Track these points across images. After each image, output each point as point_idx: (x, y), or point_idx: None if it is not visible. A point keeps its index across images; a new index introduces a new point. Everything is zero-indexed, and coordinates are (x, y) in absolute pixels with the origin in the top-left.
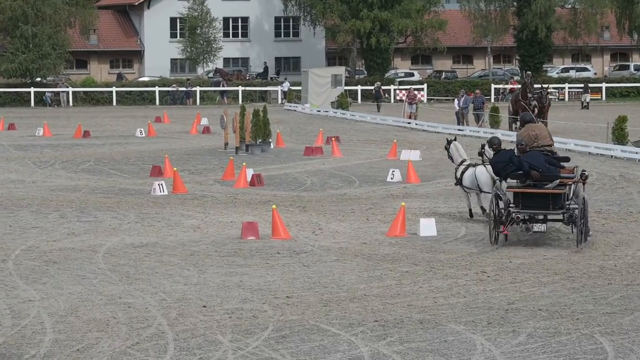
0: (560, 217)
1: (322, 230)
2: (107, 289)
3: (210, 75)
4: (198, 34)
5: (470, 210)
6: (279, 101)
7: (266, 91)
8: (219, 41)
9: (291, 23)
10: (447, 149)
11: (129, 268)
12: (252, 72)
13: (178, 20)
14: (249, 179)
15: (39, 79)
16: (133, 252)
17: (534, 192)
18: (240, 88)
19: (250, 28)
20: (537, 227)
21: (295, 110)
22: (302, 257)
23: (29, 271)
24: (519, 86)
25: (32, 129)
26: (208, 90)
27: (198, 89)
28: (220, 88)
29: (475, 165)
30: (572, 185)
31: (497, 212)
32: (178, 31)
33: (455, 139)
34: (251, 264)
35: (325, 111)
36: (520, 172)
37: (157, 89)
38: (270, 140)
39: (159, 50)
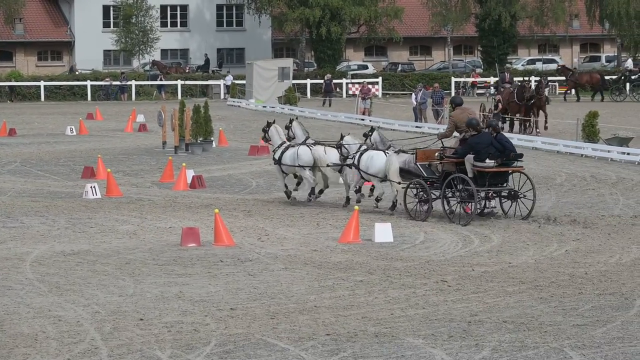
0: (506, 193)
1: (268, 236)
2: (36, 301)
3: (147, 68)
4: (133, 23)
5: (287, 192)
6: (222, 96)
7: (207, 85)
8: (156, 31)
9: (234, 11)
10: (265, 131)
11: (59, 278)
12: (192, 64)
13: (111, 8)
14: (189, 180)
15: None
16: (63, 261)
17: (502, 170)
18: (179, 82)
19: (190, 17)
20: (493, 203)
21: (239, 106)
22: (247, 265)
23: None
24: (493, 80)
25: None
26: (144, 85)
27: (133, 83)
28: (158, 82)
29: (295, 145)
30: None
31: (455, 193)
32: (111, 20)
33: (274, 121)
34: (192, 273)
35: (272, 107)
36: (499, 152)
37: (88, 83)
38: (212, 138)
39: (91, 41)
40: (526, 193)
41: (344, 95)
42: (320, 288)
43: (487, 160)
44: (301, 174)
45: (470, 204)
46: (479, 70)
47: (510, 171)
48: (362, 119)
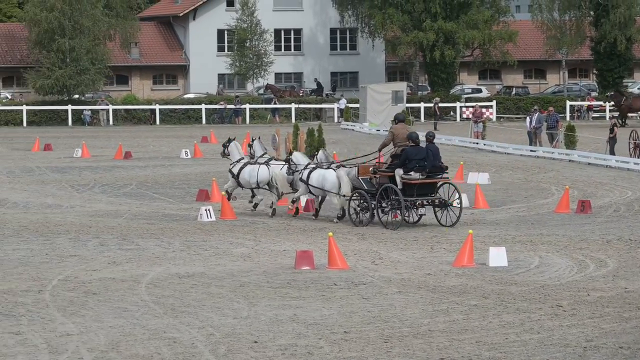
0: (436, 202)
1: (382, 259)
2: (151, 323)
3: (261, 91)
4: (247, 47)
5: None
6: (335, 120)
7: (321, 109)
8: (270, 55)
9: (348, 35)
10: (225, 146)
11: (174, 300)
12: (305, 88)
13: (226, 32)
14: (303, 204)
15: (76, 96)
16: (178, 283)
17: (430, 182)
18: (293, 105)
19: (304, 41)
20: (422, 210)
21: (352, 130)
22: (361, 288)
23: (67, 303)
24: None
25: (70, 150)
26: (258, 108)
27: (248, 106)
28: (272, 105)
29: (254, 163)
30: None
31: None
32: (226, 44)
33: (235, 139)
34: (306, 296)
35: (386, 130)
36: (425, 164)
37: (203, 106)
38: None
39: (206, 65)
40: (454, 202)
41: (458, 118)
42: (434, 312)
43: (413, 173)
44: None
45: (397, 211)
46: (594, 93)
47: (438, 182)
48: (476, 143)
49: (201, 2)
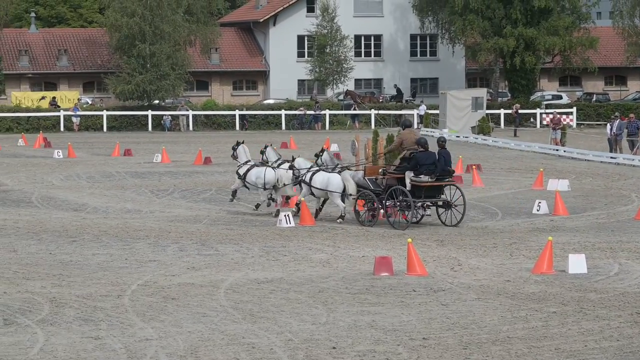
0: (441, 203)
1: (461, 266)
2: (230, 328)
3: (341, 97)
4: (327, 53)
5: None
6: (415, 126)
7: (401, 115)
8: (350, 61)
9: (428, 41)
10: (234, 149)
11: (253, 305)
12: (385, 94)
13: (306, 38)
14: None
15: (156, 102)
16: (257, 289)
17: (438, 184)
18: (372, 111)
19: (384, 47)
20: (428, 211)
21: (432, 136)
22: (440, 295)
23: (146, 308)
24: None
25: (150, 155)
26: (338, 114)
27: (327, 112)
28: (351, 111)
29: (259, 165)
30: None
31: (395, 202)
32: (306, 50)
33: (243, 142)
34: (384, 302)
35: (465, 137)
36: (434, 169)
37: (283, 112)
38: None
39: (285, 71)
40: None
41: (538, 125)
42: (513, 319)
43: (422, 176)
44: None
45: (407, 212)
46: None
47: (444, 185)
48: (556, 149)
49: (282, 8)
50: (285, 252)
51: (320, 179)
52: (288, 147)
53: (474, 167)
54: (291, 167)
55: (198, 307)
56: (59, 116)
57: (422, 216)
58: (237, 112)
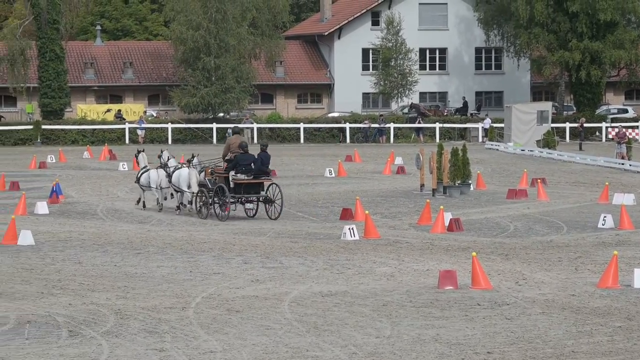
0: (262, 198)
1: (526, 280)
2: (294, 341)
3: (405, 110)
4: (392, 66)
5: (143, 202)
6: (480, 139)
7: (466, 128)
8: (414, 74)
9: (493, 55)
10: (136, 156)
11: (317, 318)
12: (450, 107)
13: (371, 51)
14: (446, 223)
15: (221, 114)
16: (321, 302)
17: (255, 182)
18: (437, 125)
19: (449, 60)
20: (249, 205)
21: (497, 150)
22: (505, 309)
23: (211, 320)
24: None
25: None
26: (403, 127)
27: (392, 125)
28: (416, 125)
29: (152, 169)
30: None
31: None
32: (371, 63)
33: (143, 150)
34: (449, 315)
35: (530, 150)
36: (252, 167)
37: (347, 125)
38: (470, 181)
39: (350, 84)
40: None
41: (603, 139)
42: (577, 333)
43: (240, 175)
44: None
45: (229, 206)
46: None
47: (264, 183)
48: (622, 163)
49: (347, 21)
50: (349, 265)
51: (175, 175)
52: (352, 160)
53: (539, 180)
54: (164, 166)
55: (262, 319)
56: (124, 129)
57: (251, 210)
58: (301, 125)
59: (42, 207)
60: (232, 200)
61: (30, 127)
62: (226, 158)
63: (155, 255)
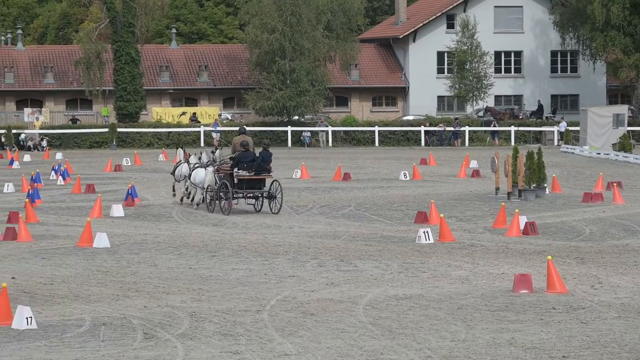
0: (263, 194)
1: (601, 284)
2: (368, 344)
3: (480, 114)
4: (467, 69)
5: (181, 195)
6: (555, 142)
7: (541, 132)
8: (490, 77)
9: (569, 58)
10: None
11: (392, 322)
12: (525, 110)
13: (446, 54)
14: (522, 227)
15: (296, 117)
16: (396, 305)
17: (256, 178)
18: (512, 128)
19: (524, 63)
20: (250, 201)
21: (572, 153)
22: (580, 313)
23: (285, 323)
24: None
25: (289, 171)
26: (478, 131)
27: (467, 128)
28: (491, 128)
29: (184, 163)
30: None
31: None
32: (445, 66)
33: (182, 147)
34: (524, 319)
35: (606, 154)
36: (254, 163)
37: (422, 128)
38: (545, 185)
39: (425, 87)
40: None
41: None
42: None
43: (242, 171)
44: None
45: (231, 200)
46: None
47: (265, 179)
48: None
49: (422, 24)
50: (424, 268)
51: (193, 173)
52: (427, 163)
53: (614, 184)
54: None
55: (337, 322)
56: (199, 132)
57: (254, 206)
58: (376, 128)
59: (117, 210)
60: (236, 195)
61: (106, 130)
62: (231, 156)
63: (230, 258)
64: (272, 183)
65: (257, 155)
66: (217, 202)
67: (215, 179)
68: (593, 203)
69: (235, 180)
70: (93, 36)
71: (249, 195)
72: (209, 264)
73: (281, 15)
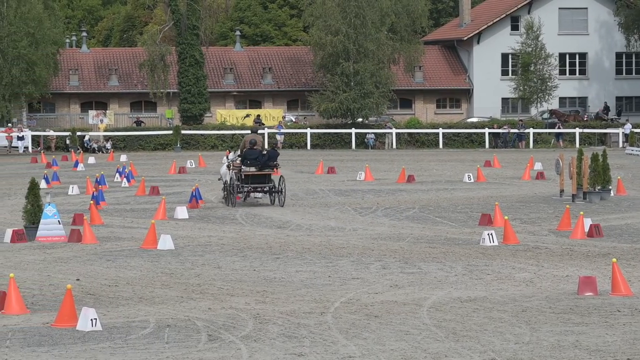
0: (267, 189)
1: None
2: (432, 346)
3: (545, 116)
4: (532, 71)
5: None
6: (620, 145)
7: (606, 134)
8: (554, 79)
9: (634, 59)
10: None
11: (456, 324)
12: (590, 112)
13: (510, 56)
14: (586, 229)
15: (360, 120)
16: (460, 307)
17: (261, 174)
18: (577, 130)
19: (589, 65)
20: (258, 194)
21: (637, 155)
22: None
23: (349, 325)
24: None
25: (353, 173)
26: (542, 133)
27: (531, 130)
28: (556, 130)
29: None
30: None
31: (233, 187)
32: (510, 68)
33: (233, 148)
34: (588, 322)
35: None
36: (256, 162)
37: (486, 130)
38: (610, 187)
39: (489, 89)
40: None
41: None
42: None
43: (247, 167)
44: None
45: (240, 194)
46: None
47: (270, 175)
48: None
49: (486, 26)
50: (488, 270)
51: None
52: (491, 165)
53: None
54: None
55: (401, 325)
56: (263, 134)
57: (256, 199)
58: (440, 130)
59: (181, 212)
60: (242, 189)
61: (170, 132)
62: (240, 154)
63: (294, 260)
64: (279, 179)
65: (264, 153)
66: (231, 195)
67: (228, 174)
68: None
69: (242, 176)
70: (157, 38)
71: (255, 189)
72: (273, 266)
73: (345, 17)
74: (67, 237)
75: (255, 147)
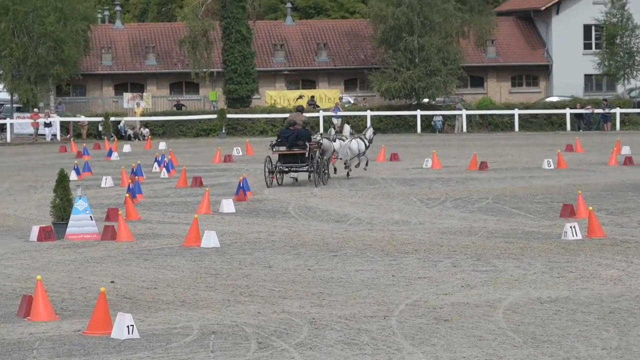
0: (304, 169)
1: None
2: (509, 353)
3: (633, 94)
4: (618, 44)
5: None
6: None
7: None
8: None
9: None
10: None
11: (535, 328)
12: None
13: (593, 28)
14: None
15: (426, 100)
16: (540, 309)
17: (292, 153)
18: None
19: None
20: (292, 175)
21: None
22: None
23: (416, 330)
24: None
25: (419, 160)
26: (630, 113)
27: (618, 110)
28: None
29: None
30: (313, 151)
31: (270, 167)
32: (593, 41)
33: (347, 122)
34: None
35: None
36: (286, 141)
37: (568, 111)
38: None
39: (570, 65)
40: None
41: None
42: None
43: (279, 147)
44: None
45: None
46: None
47: (304, 154)
48: None
49: None
50: (571, 267)
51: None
52: (573, 150)
53: None
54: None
55: (473, 329)
56: (318, 117)
57: (295, 179)
58: (516, 111)
59: (227, 205)
60: (276, 169)
61: (214, 116)
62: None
63: (354, 258)
64: (302, 157)
65: (293, 131)
66: (272, 175)
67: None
68: None
69: (276, 156)
70: (199, 12)
71: (288, 169)
72: (330, 265)
73: None
74: (100, 235)
75: (291, 128)
